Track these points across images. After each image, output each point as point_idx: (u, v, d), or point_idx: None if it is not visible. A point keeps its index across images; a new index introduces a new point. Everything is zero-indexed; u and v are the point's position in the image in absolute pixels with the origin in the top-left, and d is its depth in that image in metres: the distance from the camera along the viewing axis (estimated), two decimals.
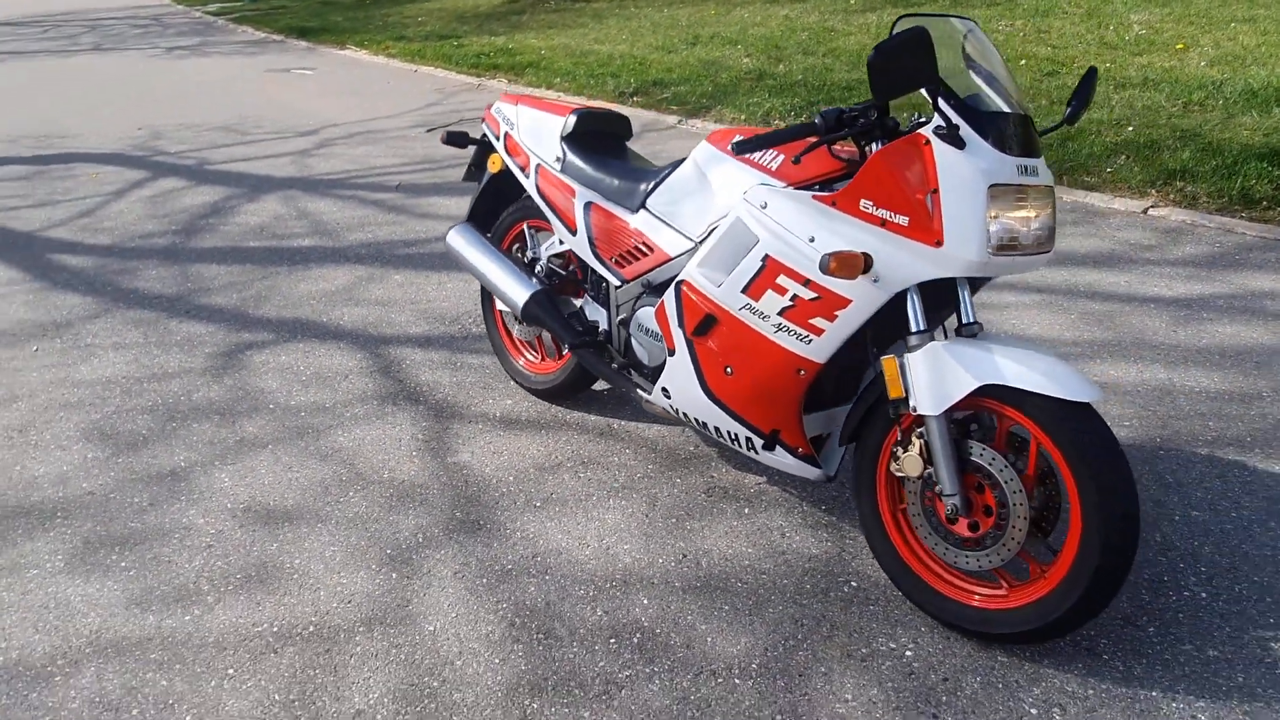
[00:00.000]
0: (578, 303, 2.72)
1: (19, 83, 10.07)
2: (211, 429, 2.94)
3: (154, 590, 2.23)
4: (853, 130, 1.86)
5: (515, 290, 2.68)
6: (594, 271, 2.59)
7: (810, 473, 2.20)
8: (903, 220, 1.81)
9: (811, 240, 1.92)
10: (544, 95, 8.16)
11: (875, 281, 1.86)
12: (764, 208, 2.01)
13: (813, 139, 1.90)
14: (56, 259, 4.55)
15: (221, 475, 2.69)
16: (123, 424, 3.00)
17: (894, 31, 1.81)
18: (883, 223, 1.83)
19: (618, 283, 2.48)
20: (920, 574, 2.01)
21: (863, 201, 1.85)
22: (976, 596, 1.95)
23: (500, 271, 2.73)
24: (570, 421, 2.90)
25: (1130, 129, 5.49)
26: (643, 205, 2.42)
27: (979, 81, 1.95)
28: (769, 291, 2.00)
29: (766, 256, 1.99)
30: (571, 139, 2.65)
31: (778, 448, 2.18)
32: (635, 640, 2.02)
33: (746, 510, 2.44)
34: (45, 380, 3.31)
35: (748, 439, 2.21)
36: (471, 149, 2.99)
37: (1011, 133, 1.82)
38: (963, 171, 1.75)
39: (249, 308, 3.87)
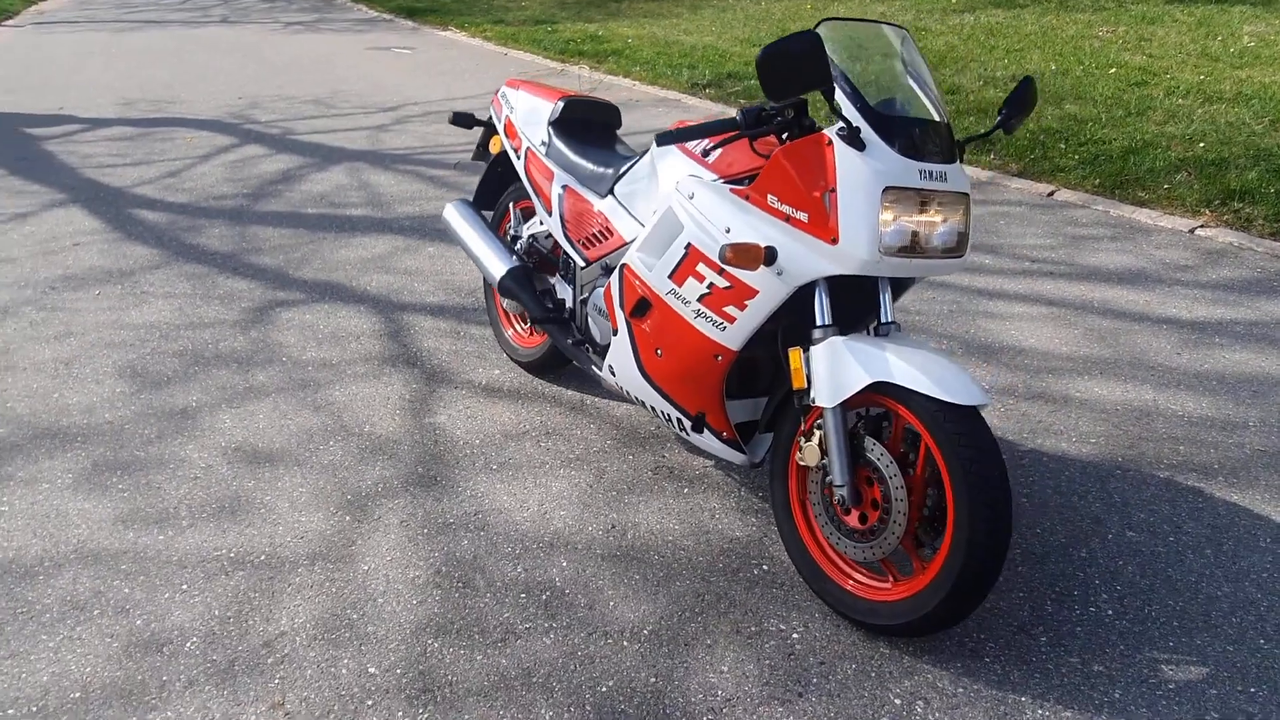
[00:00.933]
0: (553, 281, 2.86)
1: (149, 50, 10.83)
2: (227, 375, 3.21)
3: (139, 511, 2.49)
4: (769, 127, 1.93)
5: (495, 265, 2.83)
6: (565, 251, 2.72)
7: (735, 457, 2.28)
8: (803, 216, 1.87)
9: (728, 231, 2.01)
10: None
11: (779, 274, 1.94)
12: (691, 198, 2.10)
13: (733, 133, 1.97)
14: (136, 214, 4.96)
15: (224, 417, 2.95)
16: (153, 365, 3.30)
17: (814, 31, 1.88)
18: (787, 218, 1.90)
19: (582, 263, 2.60)
20: (819, 561, 2.08)
21: (770, 196, 1.92)
22: (864, 587, 2.00)
23: (485, 246, 2.89)
24: (546, 394, 3.05)
25: (1202, 145, 5.27)
26: (610, 191, 2.53)
27: (912, 87, 1.99)
28: (690, 278, 2.09)
29: (689, 244, 2.09)
30: (558, 125, 2.78)
31: (705, 430, 2.27)
32: (544, 598, 2.16)
33: (686, 490, 2.54)
34: (98, 321, 3.66)
35: (678, 419, 2.31)
36: (478, 130, 3.15)
37: (921, 138, 1.86)
38: (859, 172, 1.81)
39: (290, 269, 4.15)
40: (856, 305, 2.10)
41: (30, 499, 2.55)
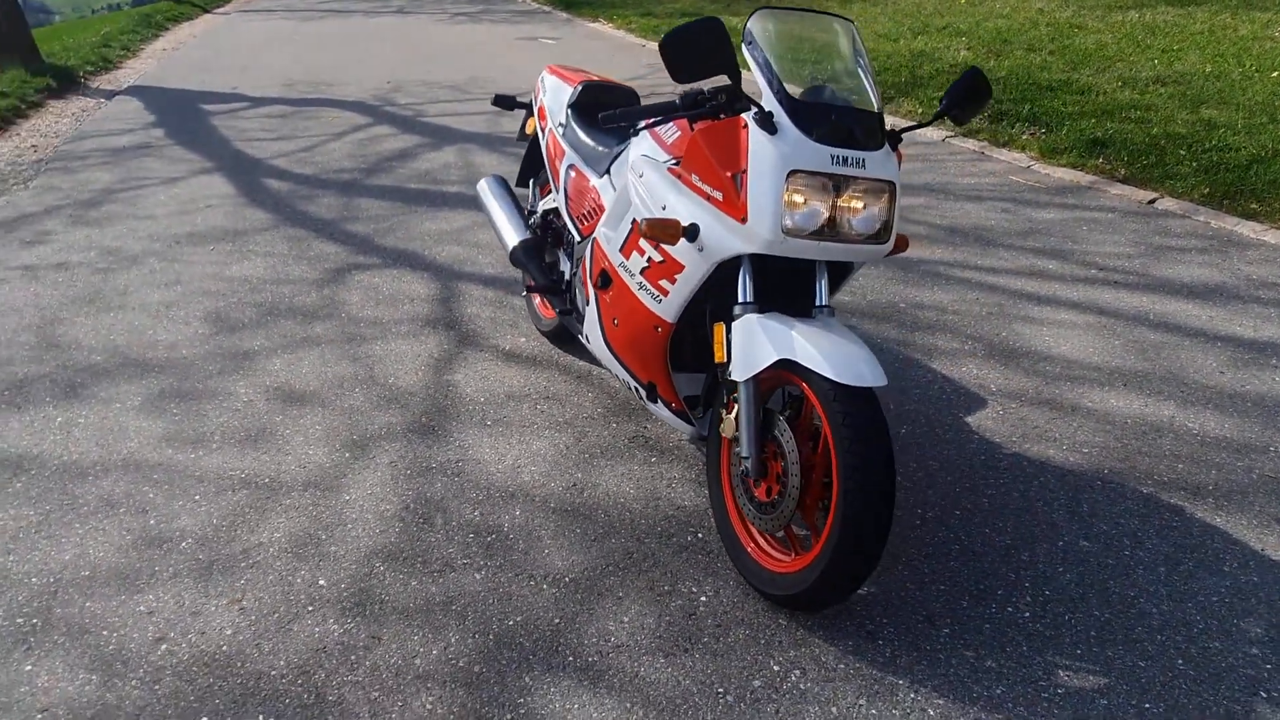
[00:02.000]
0: (560, 254, 3.03)
1: (324, 37, 11.79)
2: (291, 325, 3.58)
3: (182, 433, 2.86)
4: (703, 110, 2.01)
5: (510, 235, 3.03)
6: (567, 226, 2.89)
7: (684, 428, 2.38)
8: (719, 195, 1.95)
9: (664, 208, 2.11)
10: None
11: (701, 250, 2.02)
12: (641, 177, 2.21)
13: (672, 113, 2.07)
14: (265, 182, 5.51)
15: (276, 361, 3.30)
16: (235, 312, 3.71)
17: (748, 21, 1.96)
18: (707, 196, 1.99)
19: (578, 238, 2.76)
20: (736, 529, 2.16)
21: (693, 175, 2.01)
22: (769, 558, 2.07)
23: (505, 218, 3.10)
24: (559, 362, 3.23)
25: None
26: (606, 171, 2.67)
27: (849, 75, 2.02)
28: (634, 252, 2.21)
29: (634, 220, 2.20)
30: (575, 108, 2.94)
31: (657, 400, 2.38)
32: (489, 540, 2.34)
33: (654, 459, 2.66)
34: (204, 273, 4.14)
35: (636, 388, 2.43)
36: (519, 111, 3.36)
37: (842, 125, 1.90)
38: (768, 155, 1.87)
39: (376, 237, 4.52)
40: (807, 290, 2.14)
41: (102, 415, 2.97)
